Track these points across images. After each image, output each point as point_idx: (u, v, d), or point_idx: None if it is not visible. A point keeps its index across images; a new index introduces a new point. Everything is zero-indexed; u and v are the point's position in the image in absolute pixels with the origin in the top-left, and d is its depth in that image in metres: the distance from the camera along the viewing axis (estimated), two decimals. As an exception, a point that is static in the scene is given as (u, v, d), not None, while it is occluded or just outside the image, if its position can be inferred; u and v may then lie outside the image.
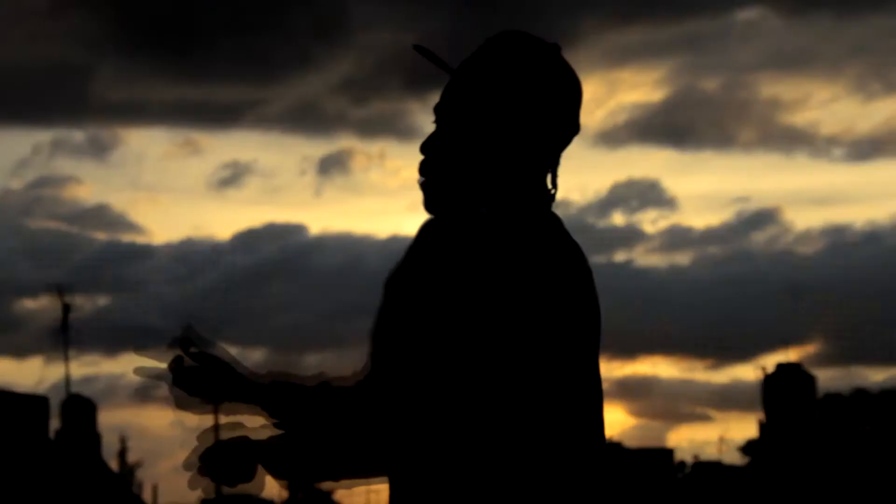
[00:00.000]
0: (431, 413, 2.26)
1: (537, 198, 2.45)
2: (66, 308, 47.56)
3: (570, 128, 2.48)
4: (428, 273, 2.27)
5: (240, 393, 2.70)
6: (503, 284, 2.28)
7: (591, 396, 2.38)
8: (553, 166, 2.48)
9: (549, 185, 2.48)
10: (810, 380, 52.06)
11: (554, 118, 2.45)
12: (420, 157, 2.51)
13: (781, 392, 51.38)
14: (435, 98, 2.54)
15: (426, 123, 2.53)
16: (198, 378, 2.69)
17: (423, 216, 2.38)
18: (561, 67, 2.47)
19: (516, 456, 2.27)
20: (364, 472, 2.36)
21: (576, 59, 2.50)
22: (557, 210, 2.48)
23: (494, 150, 2.44)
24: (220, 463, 2.45)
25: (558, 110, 2.45)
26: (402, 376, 2.25)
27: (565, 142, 2.49)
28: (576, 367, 2.34)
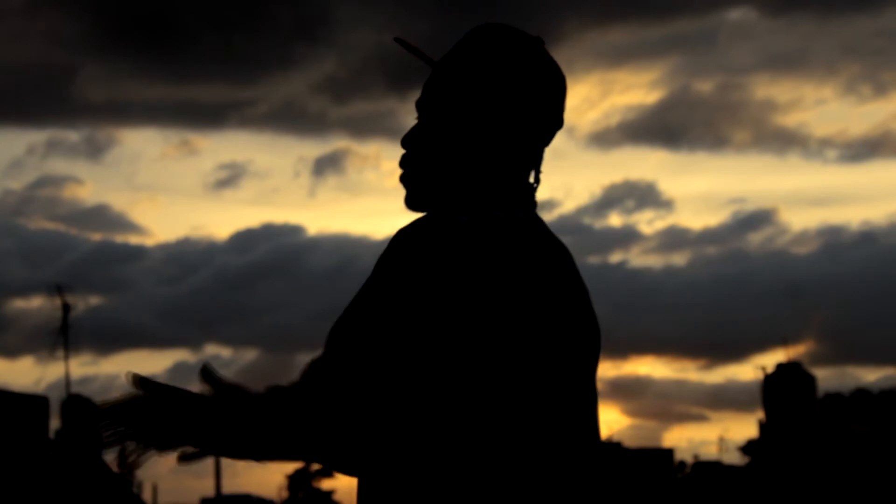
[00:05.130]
0: (400, 417, 2.22)
1: (520, 197, 2.42)
2: (67, 308, 47.58)
3: (553, 122, 2.45)
4: (402, 279, 2.23)
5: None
6: (477, 294, 2.23)
7: (582, 400, 2.35)
8: (536, 162, 2.45)
9: (532, 180, 2.44)
10: (810, 380, 52.05)
11: (538, 112, 2.42)
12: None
13: (781, 392, 51.38)
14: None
15: (412, 122, 2.49)
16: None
17: (418, 216, 2.34)
18: (544, 60, 2.44)
19: (495, 460, 2.23)
20: (286, 456, 2.22)
21: (567, 60, 2.50)
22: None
23: (477, 145, 2.41)
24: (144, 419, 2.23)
25: (542, 104, 2.43)
26: (368, 377, 2.20)
27: (549, 137, 2.46)
28: (562, 372, 2.31)
